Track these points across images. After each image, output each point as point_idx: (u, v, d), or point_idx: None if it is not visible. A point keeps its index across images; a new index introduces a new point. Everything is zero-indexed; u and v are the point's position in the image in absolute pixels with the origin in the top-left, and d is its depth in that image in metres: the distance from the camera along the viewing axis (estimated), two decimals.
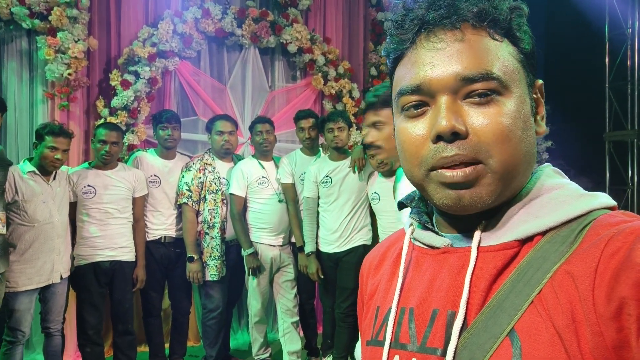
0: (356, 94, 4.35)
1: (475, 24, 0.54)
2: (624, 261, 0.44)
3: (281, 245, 3.28)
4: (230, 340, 3.63)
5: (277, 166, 3.35)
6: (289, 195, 3.27)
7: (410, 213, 0.67)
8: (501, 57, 0.54)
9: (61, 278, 2.77)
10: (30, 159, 2.79)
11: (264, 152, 3.32)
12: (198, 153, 3.78)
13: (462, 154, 0.52)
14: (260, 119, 3.37)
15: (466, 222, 0.58)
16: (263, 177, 3.26)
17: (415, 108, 0.56)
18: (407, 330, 0.58)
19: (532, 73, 0.58)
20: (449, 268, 0.57)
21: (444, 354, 0.53)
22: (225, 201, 3.25)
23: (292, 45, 4.09)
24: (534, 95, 0.58)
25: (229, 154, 3.36)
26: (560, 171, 0.62)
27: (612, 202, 0.55)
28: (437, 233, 0.61)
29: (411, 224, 0.66)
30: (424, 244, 0.62)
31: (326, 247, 3.16)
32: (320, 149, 3.45)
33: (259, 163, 3.30)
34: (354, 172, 3.07)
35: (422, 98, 0.55)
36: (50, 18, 3.38)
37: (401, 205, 0.70)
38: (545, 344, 0.47)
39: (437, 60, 0.53)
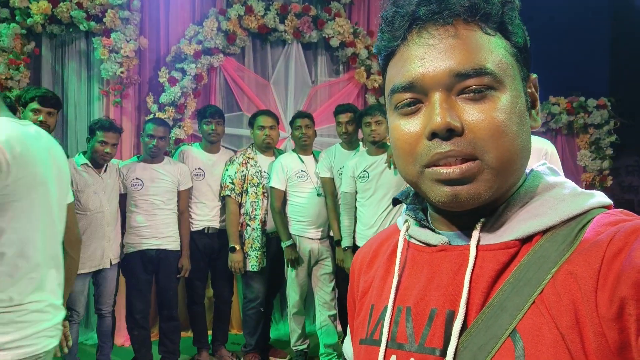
0: None
1: (467, 18, 0.53)
2: (625, 262, 0.44)
3: (320, 239, 3.30)
4: (271, 330, 3.71)
5: (316, 160, 3.38)
6: (328, 189, 3.29)
7: (406, 210, 0.66)
8: (494, 51, 0.53)
9: (111, 264, 2.96)
10: (84, 152, 2.99)
11: (303, 146, 3.35)
12: (242, 147, 3.88)
13: (456, 150, 0.51)
14: (299, 114, 3.41)
15: (464, 219, 0.57)
16: (302, 171, 3.29)
17: (409, 105, 0.55)
18: (404, 330, 0.57)
19: (526, 67, 0.57)
20: (446, 266, 0.56)
21: (443, 354, 0.53)
22: (266, 194, 3.32)
23: (335, 39, 4.09)
24: (529, 90, 0.58)
25: (270, 148, 3.42)
26: (555, 169, 0.61)
27: (608, 201, 0.55)
28: (433, 230, 0.60)
29: (406, 221, 0.66)
30: (420, 242, 0.62)
31: (363, 242, 3.14)
32: (360, 143, 3.43)
33: (299, 157, 3.34)
34: (390, 167, 3.03)
35: (415, 95, 0.54)
36: (104, 20, 3.60)
37: (395, 202, 0.69)
38: (548, 345, 0.46)
39: (429, 56, 0.53)
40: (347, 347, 0.76)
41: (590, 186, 4.69)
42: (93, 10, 3.60)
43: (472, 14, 0.53)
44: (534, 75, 0.59)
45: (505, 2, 0.54)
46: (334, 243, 3.29)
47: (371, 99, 4.28)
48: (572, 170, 4.76)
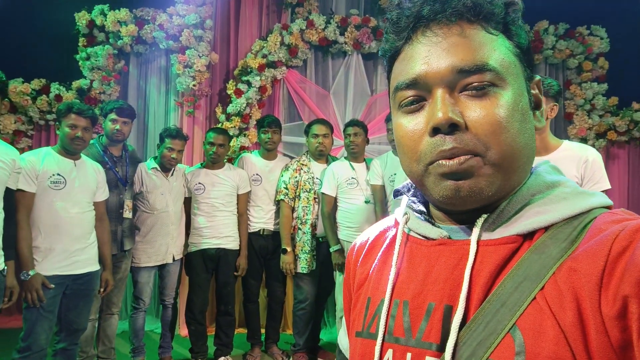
0: None
1: (470, 18, 0.54)
2: (629, 260, 0.44)
3: None
4: (321, 332, 3.81)
5: (368, 168, 3.44)
6: (377, 196, 3.33)
7: (407, 203, 0.67)
8: (497, 49, 0.54)
9: (174, 259, 3.26)
10: (155, 158, 3.34)
11: (352, 153, 3.43)
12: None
13: (459, 147, 0.51)
14: (351, 122, 3.49)
15: (466, 215, 0.57)
16: (352, 178, 3.37)
17: (412, 103, 0.55)
18: (401, 324, 0.57)
19: (529, 68, 0.58)
20: (445, 260, 0.56)
21: (440, 348, 0.52)
22: (317, 200, 3.44)
23: None
24: (533, 91, 0.58)
25: (323, 156, 3.54)
26: (558, 168, 0.61)
27: (609, 202, 0.55)
28: (433, 224, 0.60)
29: (405, 213, 0.66)
30: (419, 235, 0.61)
31: None
32: None
33: (350, 164, 3.42)
34: None
35: (419, 92, 0.55)
36: (181, 38, 3.98)
37: (396, 194, 0.70)
38: (549, 341, 0.46)
39: (432, 54, 0.53)
40: (343, 339, 0.77)
41: None
42: (172, 31, 4.01)
43: (475, 14, 0.54)
44: (538, 77, 0.60)
45: (508, 3, 0.55)
46: None
47: None
48: None
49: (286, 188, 3.44)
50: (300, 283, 3.44)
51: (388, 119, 3.37)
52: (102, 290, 2.78)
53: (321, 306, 3.66)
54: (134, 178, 3.16)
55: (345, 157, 3.53)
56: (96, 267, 2.70)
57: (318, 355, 3.58)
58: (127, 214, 3.05)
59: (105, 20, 4.01)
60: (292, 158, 3.86)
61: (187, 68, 3.98)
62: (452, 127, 0.51)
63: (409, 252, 0.61)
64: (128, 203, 3.06)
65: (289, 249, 3.38)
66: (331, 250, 3.33)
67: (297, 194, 3.45)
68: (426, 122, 0.54)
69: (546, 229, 0.52)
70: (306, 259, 3.37)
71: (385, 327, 0.58)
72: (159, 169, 3.24)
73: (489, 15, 0.54)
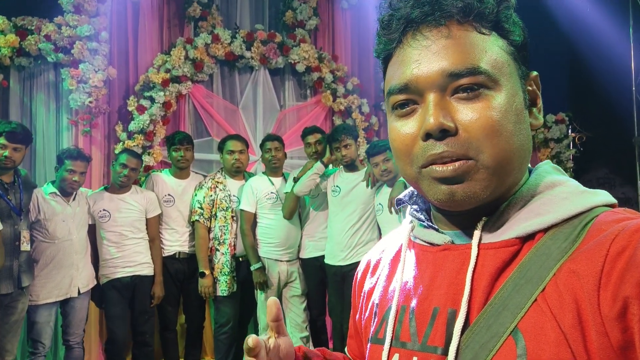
0: (366, 108, 4.44)
1: (460, 19, 0.53)
2: (629, 261, 0.44)
3: (288, 261, 3.34)
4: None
5: (286, 182, 3.44)
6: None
7: (410, 211, 0.67)
8: (489, 50, 0.53)
9: (79, 293, 2.94)
10: (53, 182, 3.00)
11: (273, 168, 3.42)
12: (213, 172, 3.92)
13: (450, 151, 0.52)
14: (269, 137, 3.48)
15: (466, 219, 0.57)
16: (272, 192, 3.35)
17: (404, 106, 0.56)
18: (407, 329, 0.58)
19: (524, 65, 0.57)
20: (449, 265, 0.57)
21: (444, 352, 0.53)
22: (235, 218, 3.35)
23: (300, 64, 4.22)
24: (529, 88, 0.58)
25: (240, 172, 3.47)
26: (560, 168, 0.61)
27: (612, 200, 0.55)
28: (437, 230, 0.61)
29: (411, 222, 0.67)
30: (424, 241, 0.62)
31: (331, 260, 3.20)
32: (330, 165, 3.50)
33: (269, 179, 3.39)
34: (368, 186, 3.11)
35: (411, 96, 0.55)
36: (72, 51, 3.64)
37: (399, 202, 0.70)
38: (551, 344, 0.46)
39: (423, 57, 0.54)
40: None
41: None
42: (61, 42, 3.65)
43: (465, 15, 0.53)
44: (535, 73, 0.59)
45: (500, 1, 0.55)
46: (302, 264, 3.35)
47: (338, 121, 4.38)
48: None
49: (201, 208, 3.31)
50: (221, 306, 3.31)
51: (305, 134, 3.42)
52: None
53: (244, 327, 3.56)
54: (29, 206, 2.81)
55: (263, 172, 3.50)
56: None
57: None
58: (25, 246, 2.71)
59: None
60: (204, 176, 3.72)
61: (81, 83, 3.66)
62: (443, 132, 0.52)
63: (416, 258, 0.62)
64: (25, 234, 2.72)
65: (207, 272, 3.24)
66: (252, 268, 3.26)
67: (213, 213, 3.33)
68: (418, 127, 0.54)
69: (547, 229, 0.52)
70: (226, 281, 3.26)
71: (393, 333, 0.60)
72: (58, 193, 2.93)
73: (479, 15, 0.54)
